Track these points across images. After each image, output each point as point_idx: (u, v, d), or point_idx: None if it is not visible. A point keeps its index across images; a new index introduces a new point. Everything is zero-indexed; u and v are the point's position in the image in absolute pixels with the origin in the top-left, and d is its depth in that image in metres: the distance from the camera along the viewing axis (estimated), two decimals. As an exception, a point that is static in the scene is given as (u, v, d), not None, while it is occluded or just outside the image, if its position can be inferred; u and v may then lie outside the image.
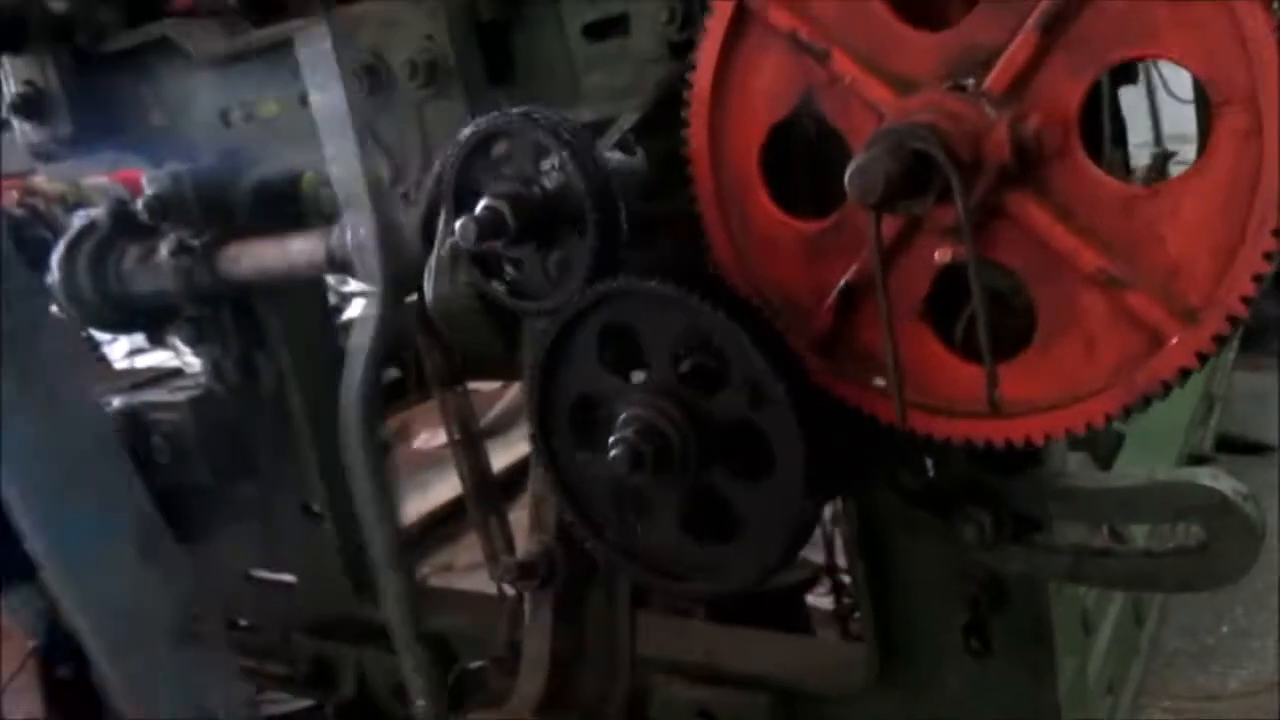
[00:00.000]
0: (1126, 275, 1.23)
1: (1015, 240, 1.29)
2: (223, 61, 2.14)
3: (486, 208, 1.38)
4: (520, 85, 1.88)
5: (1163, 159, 4.58)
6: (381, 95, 1.87)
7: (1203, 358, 1.21)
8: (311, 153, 1.99)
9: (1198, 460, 3.19)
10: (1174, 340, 1.21)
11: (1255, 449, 4.12)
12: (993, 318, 1.27)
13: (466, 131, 1.42)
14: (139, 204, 2.15)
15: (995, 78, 1.25)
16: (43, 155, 2.30)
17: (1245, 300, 1.17)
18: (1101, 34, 1.20)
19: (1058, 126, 1.24)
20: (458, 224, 1.37)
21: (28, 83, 2.22)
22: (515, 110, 1.42)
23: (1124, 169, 2.30)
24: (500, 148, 1.43)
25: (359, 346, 1.85)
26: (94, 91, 2.23)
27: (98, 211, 2.28)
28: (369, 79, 1.87)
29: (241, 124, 2.15)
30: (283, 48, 2.01)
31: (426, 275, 1.57)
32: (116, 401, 2.29)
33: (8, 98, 2.23)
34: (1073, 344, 1.29)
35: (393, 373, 4.27)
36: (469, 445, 2.06)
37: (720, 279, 1.48)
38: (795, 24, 1.36)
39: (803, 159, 1.52)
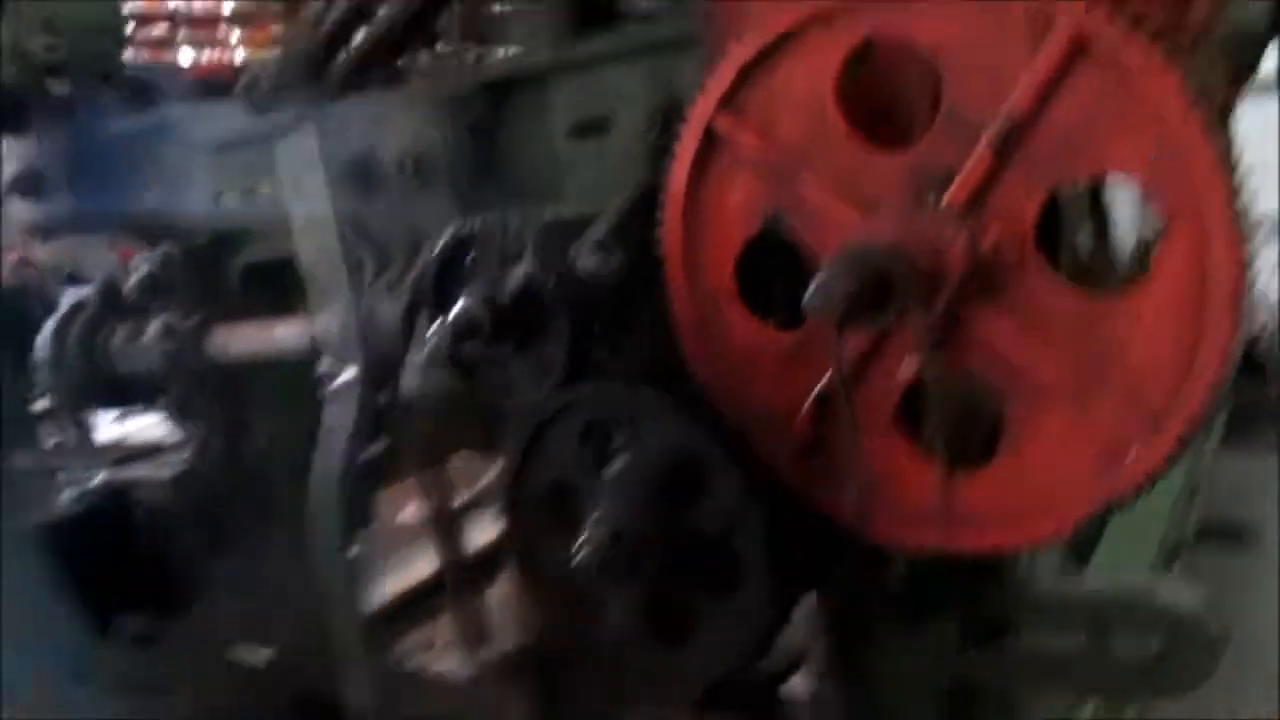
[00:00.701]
0: (1090, 383, 1.27)
1: (981, 350, 1.33)
2: (221, 146, 2.19)
3: (463, 310, 1.42)
4: (507, 180, 1.93)
5: (1145, 249, 4.66)
6: (370, 187, 1.92)
7: (1169, 461, 1.24)
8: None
9: (1177, 551, 3.19)
10: (1140, 446, 1.24)
11: (1237, 537, 4.12)
12: (959, 427, 1.30)
13: (445, 237, 1.46)
14: (130, 284, 2.19)
15: (953, 195, 1.30)
16: (40, 232, 2.34)
17: (1205, 405, 1.20)
18: (1051, 152, 1.26)
19: (1015, 240, 1.29)
20: (435, 326, 1.41)
21: (26, 161, 2.27)
22: (492, 215, 1.46)
23: (1108, 262, 2.34)
24: (478, 251, 1.47)
25: (333, 429, 1.86)
26: (92, 171, 2.28)
27: (88, 290, 2.32)
28: (359, 171, 1.91)
29: (236, 206, 2.20)
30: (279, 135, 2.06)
31: (408, 370, 1.60)
32: (100, 477, 2.31)
33: (7, 175, 2.29)
34: (1041, 451, 1.32)
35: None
36: (444, 530, 2.07)
37: (697, 388, 1.51)
38: (761, 147, 1.41)
39: (779, 268, 1.56)
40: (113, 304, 2.27)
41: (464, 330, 1.40)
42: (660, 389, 1.45)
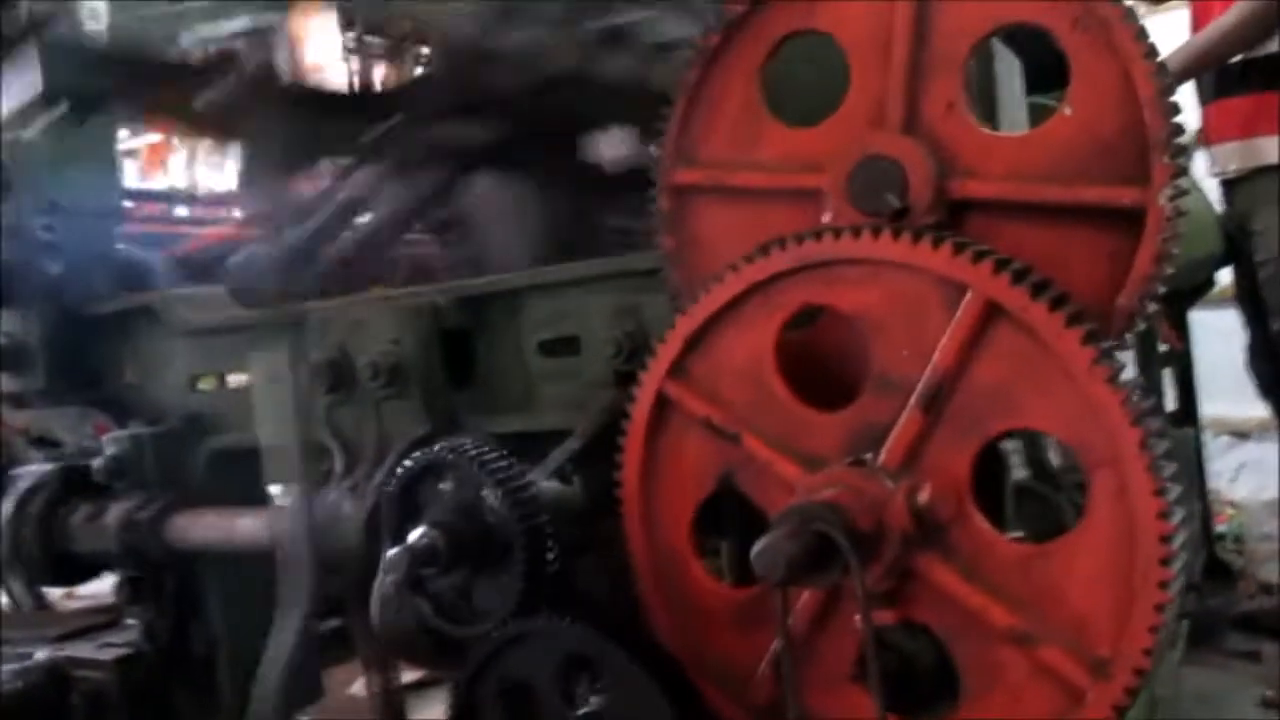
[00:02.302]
0: (1036, 631, 1.30)
1: (930, 601, 1.37)
2: (200, 333, 2.25)
3: (421, 537, 1.44)
4: (478, 390, 1.98)
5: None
6: (343, 390, 1.96)
7: (1119, 710, 1.26)
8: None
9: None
10: (1090, 694, 1.26)
11: (1203, 754, 4.05)
12: (901, 681, 1.31)
13: (406, 464, 1.50)
14: (95, 464, 2.20)
15: (889, 453, 1.37)
16: (14, 402, 2.37)
17: (1147, 652, 1.23)
18: (976, 409, 1.34)
19: (950, 493, 1.35)
20: (392, 553, 1.43)
21: (8, 334, 2.31)
22: (454, 443, 1.50)
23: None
24: (439, 477, 1.51)
25: (279, 642, 1.85)
26: (72, 348, 2.33)
27: (49, 468, 2.33)
28: (332, 373, 1.96)
29: (210, 392, 2.24)
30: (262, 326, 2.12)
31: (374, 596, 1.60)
32: (39, 654, 2.26)
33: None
34: (998, 701, 1.34)
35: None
36: (391, 709, 2.06)
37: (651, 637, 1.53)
38: (709, 411, 1.49)
39: (734, 525, 1.60)
40: (74, 484, 2.28)
41: (421, 559, 1.42)
42: (616, 625, 1.46)
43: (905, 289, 1.37)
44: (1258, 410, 3.69)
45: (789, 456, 1.43)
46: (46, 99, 1.78)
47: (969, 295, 1.32)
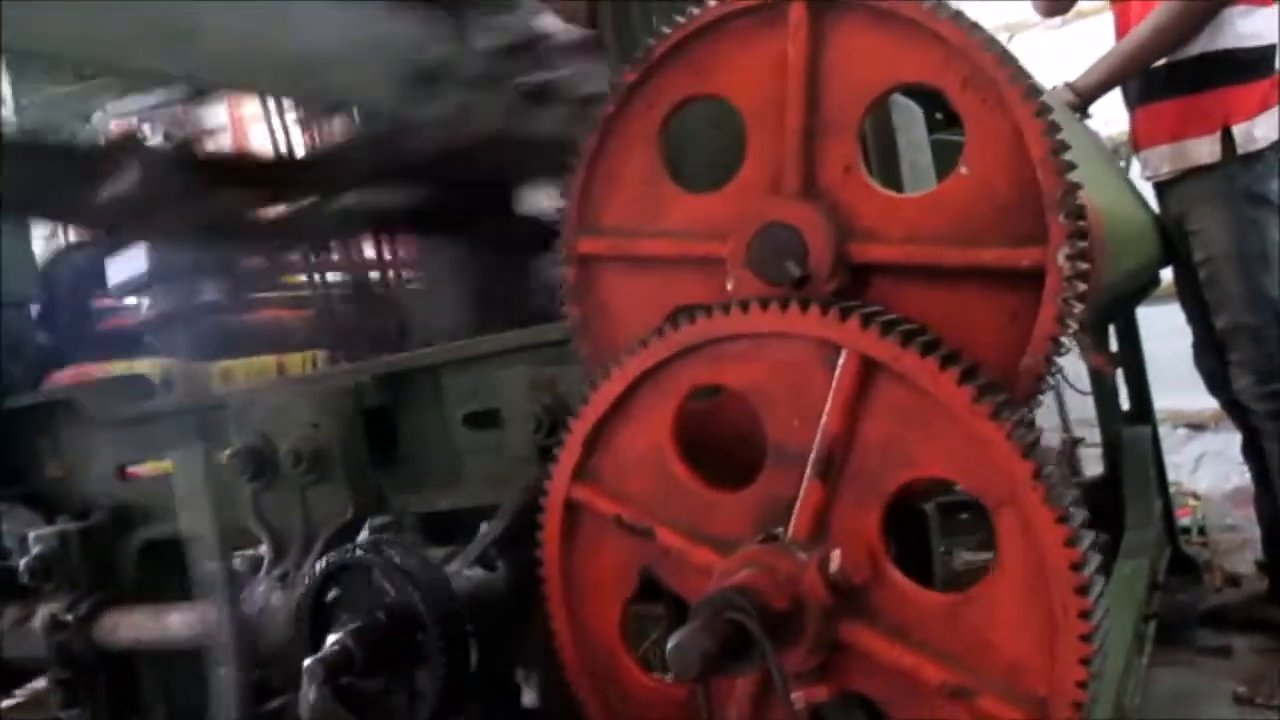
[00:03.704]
0: (971, 682, 1.27)
1: (863, 669, 1.34)
2: (124, 423, 2.20)
3: (334, 644, 1.40)
4: (403, 466, 1.94)
5: (1071, 444, 4.74)
6: (266, 476, 1.92)
7: None
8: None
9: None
10: None
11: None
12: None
13: (318, 567, 1.46)
14: (21, 565, 2.15)
15: (796, 525, 1.35)
16: (-61, 499, 2.31)
17: (1082, 685, 1.20)
18: (871, 468, 1.32)
19: (863, 556, 1.32)
20: (307, 663, 1.39)
21: (-71, 432, 2.26)
22: (368, 543, 1.47)
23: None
24: (351, 581, 1.47)
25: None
26: (-6, 441, 2.28)
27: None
28: (254, 461, 1.92)
29: (137, 482, 2.19)
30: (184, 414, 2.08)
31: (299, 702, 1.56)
32: (-19, 761, 2.21)
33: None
34: None
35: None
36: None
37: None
38: (618, 509, 1.46)
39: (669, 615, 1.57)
40: (9, 585, 2.22)
41: (336, 666, 1.38)
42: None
43: (786, 358, 1.36)
44: (1214, 401, 3.69)
45: (702, 543, 1.41)
46: None
47: (843, 354, 1.31)
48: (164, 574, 2.22)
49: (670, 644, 1.23)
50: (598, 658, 1.52)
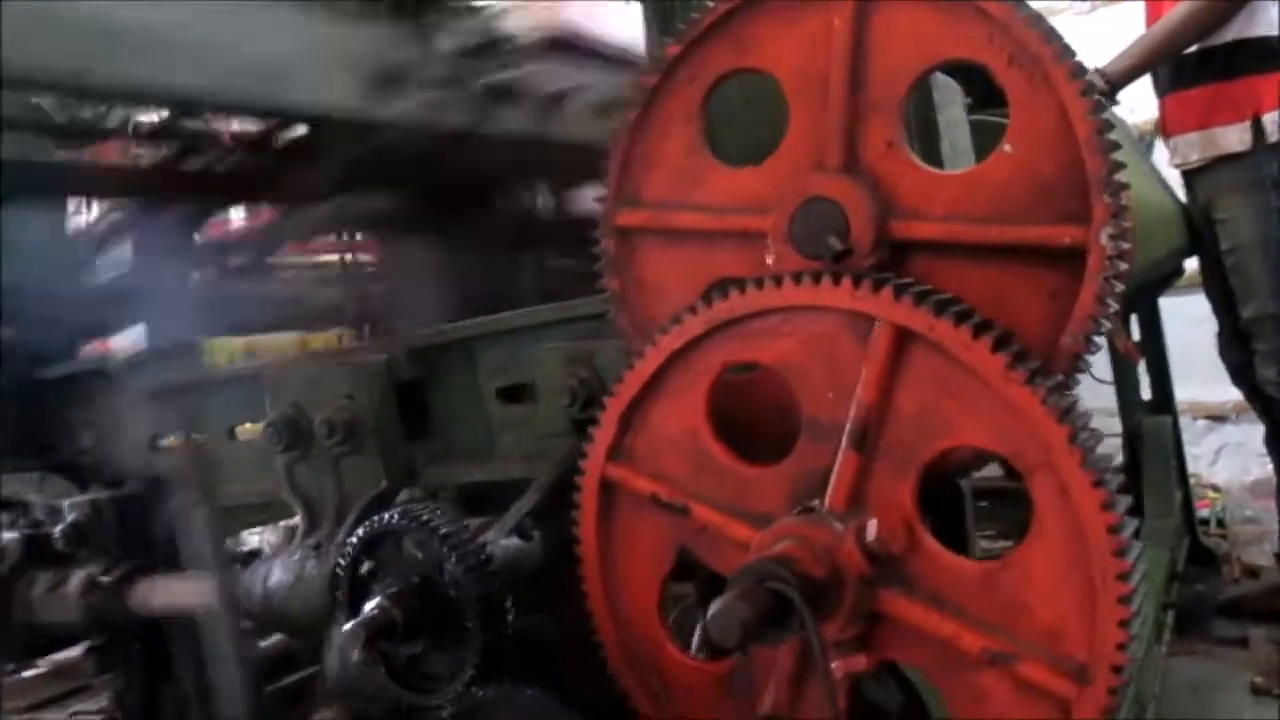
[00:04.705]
0: (1010, 648, 1.28)
1: (901, 638, 1.35)
2: (156, 393, 2.22)
3: (376, 609, 1.42)
4: (436, 440, 1.96)
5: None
6: (301, 447, 1.94)
7: (1106, 713, 1.24)
8: (240, 484, 2.05)
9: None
10: (1076, 701, 1.24)
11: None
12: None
13: (358, 533, 1.48)
14: (56, 532, 2.17)
15: (832, 496, 1.36)
16: (-24, 467, 2.34)
17: (1122, 647, 1.21)
18: (907, 437, 1.34)
19: (899, 526, 1.34)
20: (348, 627, 1.41)
21: (-37, 402, 2.28)
22: (406, 510, 1.48)
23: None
24: (392, 547, 1.48)
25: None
26: (25, 412, 2.29)
27: (9, 536, 2.29)
28: (289, 431, 1.94)
29: (169, 453, 2.21)
30: (216, 384, 2.10)
31: (333, 665, 1.58)
32: (13, 724, 2.24)
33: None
34: None
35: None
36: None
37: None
38: (654, 487, 1.48)
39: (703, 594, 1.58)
40: (34, 552, 2.25)
41: (377, 631, 1.40)
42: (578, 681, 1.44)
43: (817, 331, 1.38)
44: (1234, 393, 3.68)
45: (738, 518, 1.42)
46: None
47: (877, 325, 1.32)
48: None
49: (710, 612, 1.24)
50: (636, 636, 1.53)
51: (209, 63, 1.68)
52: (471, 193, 2.31)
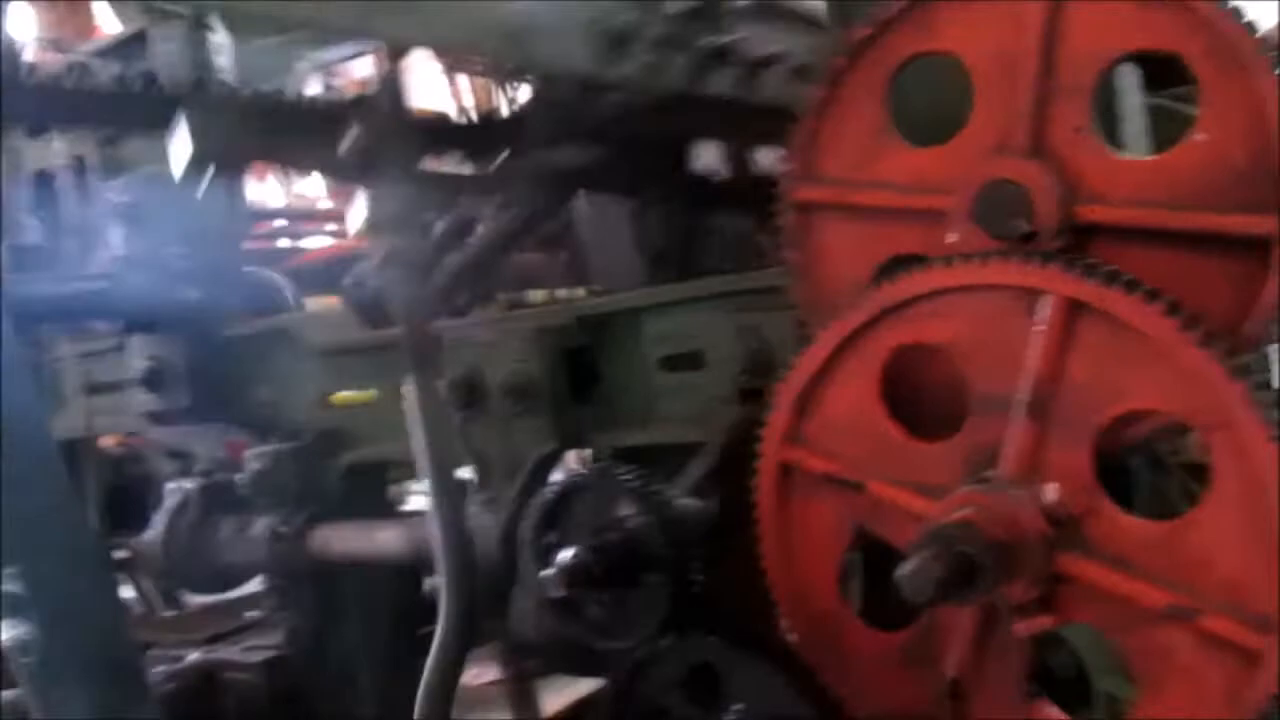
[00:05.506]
0: (1194, 603, 1.33)
1: (1084, 599, 1.41)
2: (332, 352, 2.36)
3: (574, 558, 1.52)
4: (600, 405, 2.05)
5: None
6: (475, 406, 2.05)
7: None
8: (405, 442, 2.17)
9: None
10: (1264, 651, 1.28)
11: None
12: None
13: (552, 485, 1.58)
14: (239, 480, 2.33)
15: (1007, 465, 1.42)
16: (157, 420, 2.51)
17: None
18: (1080, 405, 1.39)
19: (1079, 491, 1.39)
20: (547, 574, 1.51)
21: (152, 357, 2.45)
22: (597, 466, 1.58)
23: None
24: (586, 499, 1.58)
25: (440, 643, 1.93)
26: (211, 368, 2.46)
27: (190, 485, 2.47)
28: (464, 390, 2.05)
29: (341, 409, 2.35)
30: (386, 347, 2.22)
31: (514, 605, 1.69)
32: (192, 656, 2.40)
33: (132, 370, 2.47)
34: (1178, 684, 1.36)
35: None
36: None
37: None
38: (830, 467, 1.55)
39: (875, 572, 1.65)
40: (215, 500, 2.41)
41: (574, 577, 1.50)
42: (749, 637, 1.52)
43: (985, 309, 1.43)
44: None
45: (913, 491, 1.48)
46: (197, 164, 1.90)
47: (1048, 299, 1.37)
48: (364, 495, 2.39)
49: (903, 571, 1.31)
50: (815, 611, 1.59)
51: (468, 19, 1.80)
52: (671, 152, 2.38)
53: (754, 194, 1.74)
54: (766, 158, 2.73)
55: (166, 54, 2.42)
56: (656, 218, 2.65)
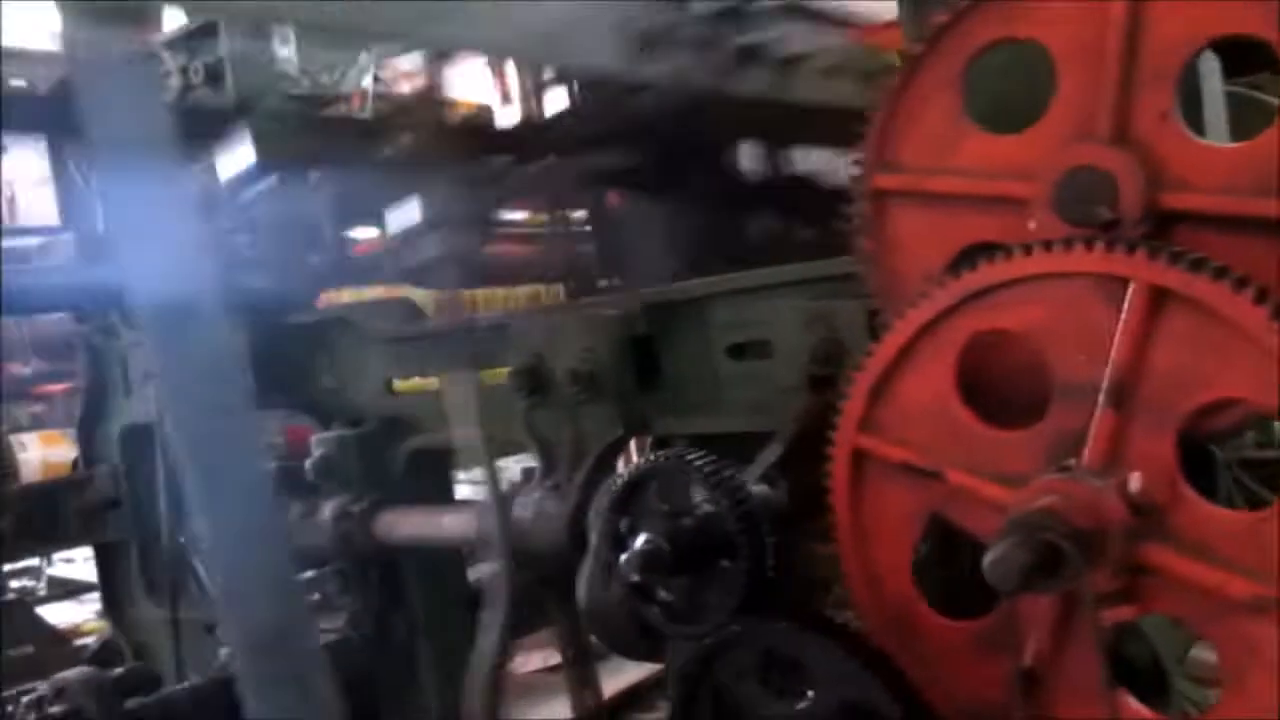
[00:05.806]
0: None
1: (1167, 590, 1.40)
2: (394, 340, 2.38)
3: (647, 543, 1.53)
4: (665, 393, 2.06)
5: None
6: (540, 393, 2.07)
7: None
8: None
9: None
10: None
11: None
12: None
13: (626, 473, 1.59)
14: (309, 465, 2.36)
15: (1090, 454, 1.41)
16: (221, 406, 2.54)
17: None
18: (1163, 394, 1.37)
19: (1162, 480, 1.38)
20: (622, 559, 1.52)
21: (219, 341, 2.48)
22: (670, 453, 1.59)
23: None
24: (660, 486, 1.59)
25: (489, 623, 1.96)
26: (274, 355, 2.49)
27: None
28: (530, 378, 2.07)
29: (404, 396, 2.38)
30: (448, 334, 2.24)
31: (580, 579, 1.71)
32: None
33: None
34: (1262, 675, 1.35)
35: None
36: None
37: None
38: (906, 455, 1.55)
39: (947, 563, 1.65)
40: (280, 483, 2.45)
41: (648, 564, 1.51)
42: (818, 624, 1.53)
43: (1067, 297, 1.42)
44: None
45: (992, 480, 1.47)
46: (261, 170, 1.94)
47: (1132, 286, 1.36)
48: (428, 480, 2.42)
49: (988, 559, 1.31)
50: (891, 599, 1.59)
51: (508, 22, 1.83)
52: (704, 152, 2.40)
53: (788, 194, 1.74)
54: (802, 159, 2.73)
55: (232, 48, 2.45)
56: (689, 216, 2.65)
